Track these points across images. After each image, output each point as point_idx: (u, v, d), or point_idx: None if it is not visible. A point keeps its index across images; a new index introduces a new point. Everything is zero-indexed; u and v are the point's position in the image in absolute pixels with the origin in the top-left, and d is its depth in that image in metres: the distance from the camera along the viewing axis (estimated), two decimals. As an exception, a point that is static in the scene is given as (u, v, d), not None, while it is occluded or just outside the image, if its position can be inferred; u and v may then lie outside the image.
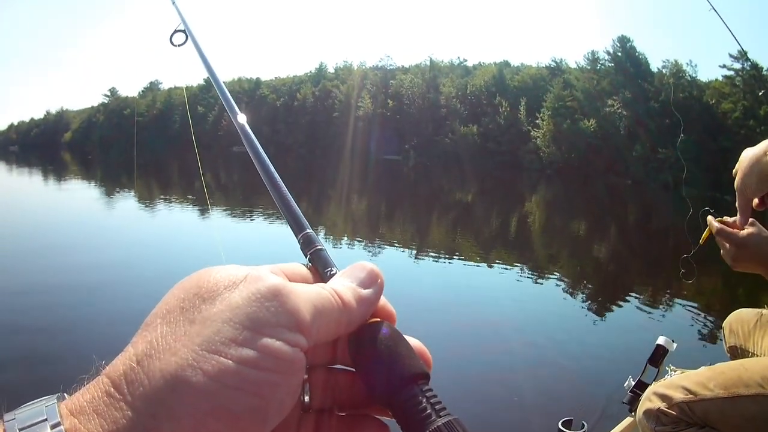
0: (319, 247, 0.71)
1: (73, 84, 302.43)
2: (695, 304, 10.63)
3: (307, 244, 0.72)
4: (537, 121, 77.82)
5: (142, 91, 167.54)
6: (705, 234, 2.62)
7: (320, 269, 0.67)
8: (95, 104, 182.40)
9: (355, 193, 33.27)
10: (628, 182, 62.37)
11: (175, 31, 1.90)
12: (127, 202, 25.01)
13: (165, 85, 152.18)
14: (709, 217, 2.71)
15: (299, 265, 0.65)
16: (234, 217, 19.50)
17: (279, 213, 0.82)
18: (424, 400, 0.54)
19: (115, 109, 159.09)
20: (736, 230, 2.49)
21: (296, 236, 0.75)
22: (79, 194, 28.82)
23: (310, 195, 29.71)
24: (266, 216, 18.98)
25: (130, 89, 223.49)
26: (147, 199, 25.89)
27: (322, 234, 16.01)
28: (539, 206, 33.16)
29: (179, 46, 1.89)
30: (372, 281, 0.61)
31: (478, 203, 33.06)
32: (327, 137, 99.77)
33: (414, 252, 14.42)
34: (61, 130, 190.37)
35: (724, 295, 11.99)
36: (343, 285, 0.59)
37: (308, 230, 0.74)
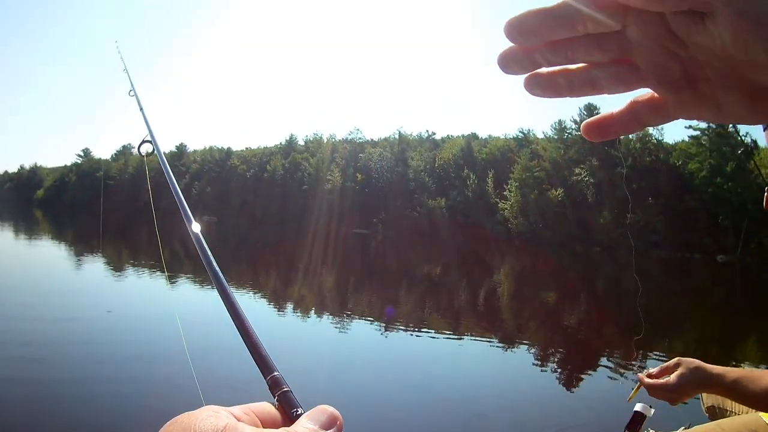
0: (285, 389, 0.74)
1: (49, 140, 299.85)
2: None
3: (275, 386, 0.75)
4: (505, 193, 77.72)
5: (115, 154, 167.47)
6: (634, 392, 2.69)
7: (287, 410, 0.72)
8: (68, 163, 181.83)
9: (323, 267, 32.24)
10: (597, 249, 62.26)
11: (144, 141, 1.94)
12: (93, 266, 23.79)
13: (136, 143, 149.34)
14: (640, 375, 2.70)
15: (269, 405, 0.69)
16: (195, 290, 17.77)
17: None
18: None
19: (88, 171, 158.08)
20: (665, 380, 2.49)
21: (264, 378, 0.78)
22: (47, 253, 28.35)
23: (279, 268, 28.99)
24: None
25: (104, 151, 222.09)
26: (113, 264, 24.68)
27: (290, 308, 15.92)
28: (508, 277, 32.34)
29: (148, 156, 1.96)
30: (331, 424, 0.64)
31: (447, 275, 31.82)
32: (296, 210, 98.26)
33: (382, 326, 13.62)
34: (34, 186, 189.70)
35: (699, 355, 9.51)
36: (306, 428, 0.62)
37: (276, 373, 0.78)
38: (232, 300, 0.87)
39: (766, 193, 2.41)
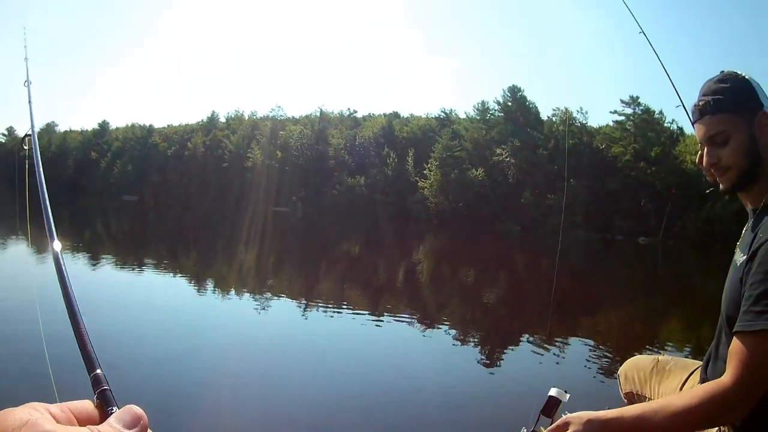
0: (105, 387, 0.78)
1: None
2: (589, 351, 10.16)
3: (96, 383, 0.78)
4: (425, 172, 77.06)
5: (38, 131, 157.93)
6: None
7: (104, 408, 0.74)
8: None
9: (243, 245, 31.84)
10: (517, 228, 62.57)
11: (26, 136, 2.14)
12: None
13: (61, 128, 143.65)
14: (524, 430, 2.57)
15: (89, 404, 0.70)
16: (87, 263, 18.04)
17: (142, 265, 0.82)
18: None
19: (10, 149, 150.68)
20: None
21: (88, 374, 0.82)
22: None
23: (199, 246, 29.16)
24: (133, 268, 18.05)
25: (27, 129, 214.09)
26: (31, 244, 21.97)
27: (210, 287, 15.58)
28: (427, 255, 32.30)
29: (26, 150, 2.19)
30: (134, 423, 0.66)
31: (366, 254, 32.01)
32: (217, 188, 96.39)
33: (303, 304, 13.34)
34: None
35: (619, 340, 11.55)
36: (111, 427, 0.64)
37: (98, 370, 0.82)
38: (68, 290, 0.89)
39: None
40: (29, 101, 2.38)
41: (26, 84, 2.55)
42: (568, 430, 2.04)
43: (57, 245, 1.05)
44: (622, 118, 70.83)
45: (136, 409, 0.68)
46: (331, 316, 12.04)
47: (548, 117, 76.00)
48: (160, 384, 6.92)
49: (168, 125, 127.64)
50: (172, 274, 17.47)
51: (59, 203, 61.12)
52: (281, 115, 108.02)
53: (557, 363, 9.20)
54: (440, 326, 11.72)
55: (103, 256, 20.38)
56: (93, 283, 14.28)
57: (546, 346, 10.12)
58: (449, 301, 16.37)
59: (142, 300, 13.06)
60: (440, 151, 75.26)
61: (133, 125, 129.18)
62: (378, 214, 73.84)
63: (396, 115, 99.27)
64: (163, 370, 7.30)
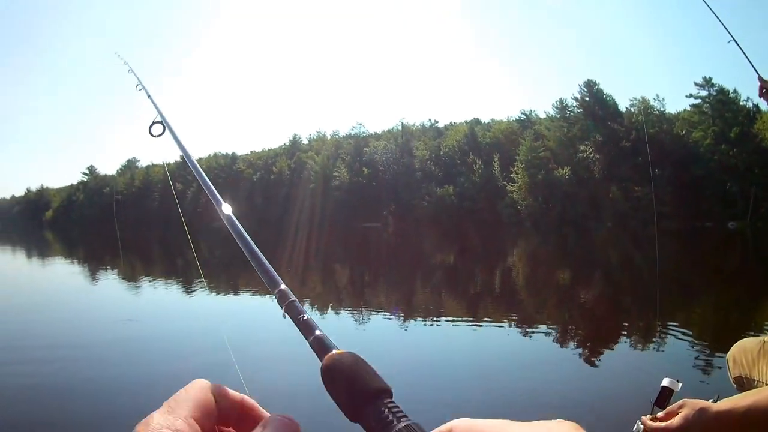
0: (292, 299, 0.88)
1: (52, 160, 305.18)
2: (695, 339, 10.24)
3: (282, 298, 0.89)
4: (512, 175, 77.84)
5: (120, 168, 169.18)
6: None
7: (294, 317, 0.84)
8: (74, 182, 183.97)
9: (337, 263, 32.19)
10: (608, 225, 62.41)
11: (153, 123, 1.99)
12: (114, 281, 23.77)
13: (143, 163, 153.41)
14: (643, 418, 2.56)
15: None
16: (226, 291, 18.55)
17: (262, 282, 1.00)
18: (386, 410, 0.62)
19: (95, 188, 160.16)
20: (668, 424, 2.36)
21: (272, 292, 0.92)
22: (66, 273, 27.79)
23: (293, 268, 28.11)
24: (253, 289, 17.90)
25: (109, 167, 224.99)
26: (132, 277, 24.66)
27: (307, 304, 14.99)
28: (521, 259, 32.32)
29: (158, 136, 1.99)
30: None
31: (461, 263, 31.87)
32: (305, 209, 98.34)
33: (401, 317, 13.33)
34: (41, 207, 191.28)
35: (723, 326, 11.58)
36: None
37: (282, 286, 0.92)
38: (246, 241, 1.12)
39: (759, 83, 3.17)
40: (148, 96, 2.43)
41: (139, 88, 2.70)
42: (681, 411, 2.25)
43: (227, 208, 1.23)
44: (698, 101, 70.26)
45: (287, 419, 0.66)
46: (433, 325, 12.46)
47: (626, 108, 75.46)
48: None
49: (251, 152, 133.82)
50: (263, 294, 17.09)
51: (151, 235, 65.84)
52: (363, 132, 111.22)
53: (666, 353, 9.54)
54: (541, 328, 11.91)
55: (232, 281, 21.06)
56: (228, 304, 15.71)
57: (653, 337, 10.50)
58: (548, 302, 16.49)
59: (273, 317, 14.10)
60: (525, 153, 75.94)
61: (215, 154, 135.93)
62: (469, 221, 76.05)
63: (477, 121, 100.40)
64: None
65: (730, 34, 4.35)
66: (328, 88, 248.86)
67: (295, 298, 0.88)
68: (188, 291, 18.69)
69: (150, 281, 22.42)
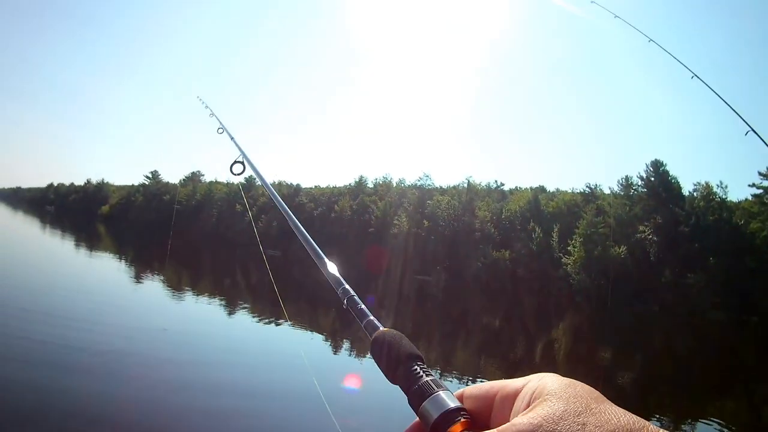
0: (351, 294, 1.17)
1: (117, 158, 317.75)
2: (725, 425, 11.08)
3: (344, 293, 1.17)
4: (569, 248, 78.62)
5: (184, 179, 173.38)
6: None
7: (352, 307, 1.12)
8: (135, 183, 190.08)
9: (383, 311, 32.88)
10: (656, 309, 62.84)
11: (235, 162, 2.38)
12: (159, 288, 25.25)
13: (207, 177, 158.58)
14: None
15: None
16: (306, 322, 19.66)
17: (341, 310, 1.24)
18: (416, 368, 0.85)
19: (155, 193, 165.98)
20: None
21: (336, 289, 1.20)
22: (110, 270, 29.50)
23: (340, 312, 29.26)
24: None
25: (172, 175, 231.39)
26: (177, 289, 26.14)
27: (344, 348, 16.39)
28: (566, 333, 33.52)
29: (238, 174, 2.44)
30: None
31: (505, 328, 33.05)
32: (361, 251, 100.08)
33: (437, 372, 13.93)
34: (99, 201, 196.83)
35: (758, 423, 12.40)
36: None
37: (344, 285, 1.21)
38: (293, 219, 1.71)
39: None
40: (231, 138, 2.93)
41: (220, 131, 3.24)
42: None
43: (332, 267, 1.39)
44: (760, 191, 70.26)
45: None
46: (467, 384, 13.69)
47: (689, 192, 75.78)
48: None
49: (315, 186, 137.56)
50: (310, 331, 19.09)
51: (204, 250, 67.46)
52: (429, 184, 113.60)
53: None
54: None
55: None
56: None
57: (680, 425, 11.31)
58: (585, 379, 18.14)
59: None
60: (584, 228, 76.61)
61: (280, 183, 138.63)
62: (520, 288, 77.72)
63: (542, 189, 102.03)
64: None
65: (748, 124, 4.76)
66: (399, 134, 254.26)
67: (354, 293, 1.17)
68: (268, 314, 20.03)
69: (221, 298, 23.74)
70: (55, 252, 34.66)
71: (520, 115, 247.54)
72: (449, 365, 16.24)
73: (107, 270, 28.54)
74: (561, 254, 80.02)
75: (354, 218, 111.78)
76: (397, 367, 0.86)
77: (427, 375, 0.82)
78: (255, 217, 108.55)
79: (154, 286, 24.51)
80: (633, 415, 0.66)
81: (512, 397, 0.75)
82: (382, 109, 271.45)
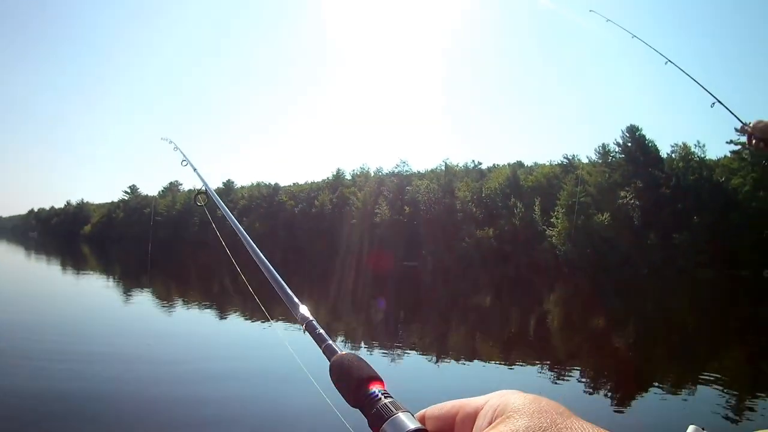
0: (310, 319, 1.19)
1: (94, 177, 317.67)
2: (722, 387, 11.07)
3: (302, 319, 1.20)
4: (552, 220, 79.10)
5: (162, 190, 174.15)
6: None
7: (311, 332, 1.15)
8: (115, 199, 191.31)
9: (374, 300, 33.04)
10: (645, 272, 63.01)
11: (198, 193, 2.46)
12: (144, 300, 25.38)
13: (185, 186, 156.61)
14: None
15: None
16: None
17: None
18: (376, 392, 0.86)
19: (135, 207, 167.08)
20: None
21: (295, 314, 1.24)
22: (103, 287, 29.89)
23: (330, 302, 29.94)
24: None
25: (150, 188, 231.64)
26: (165, 298, 26.46)
27: (340, 340, 16.39)
28: (557, 305, 33.77)
29: (203, 205, 2.53)
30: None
31: (497, 305, 33.16)
32: (345, 244, 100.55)
33: (434, 357, 14.47)
34: (80, 221, 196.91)
35: (752, 375, 12.52)
36: None
37: (301, 309, 1.26)
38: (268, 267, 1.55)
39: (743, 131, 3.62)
40: (194, 170, 3.06)
41: (184, 164, 3.28)
42: None
43: (304, 309, 1.32)
44: (738, 147, 68.57)
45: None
46: (466, 365, 13.30)
47: (668, 154, 76.60)
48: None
49: (294, 183, 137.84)
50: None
51: (187, 258, 67.32)
52: (407, 170, 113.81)
53: (693, 401, 10.15)
54: (571, 374, 12.66)
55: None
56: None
57: (682, 385, 11.22)
58: (579, 349, 17.37)
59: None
60: (566, 198, 77.07)
61: (258, 184, 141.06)
62: (507, 265, 77.60)
63: (520, 164, 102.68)
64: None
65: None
66: (374, 123, 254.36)
67: (313, 318, 1.20)
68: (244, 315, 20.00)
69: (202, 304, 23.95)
70: (43, 277, 35.33)
71: (493, 91, 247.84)
72: (445, 346, 16.39)
73: (93, 288, 28.99)
74: (545, 227, 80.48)
75: (335, 211, 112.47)
76: (357, 390, 0.86)
77: (386, 397, 0.82)
78: (237, 219, 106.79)
79: (138, 299, 24.85)
80: (600, 429, 0.67)
81: (473, 416, 0.76)
82: (356, 100, 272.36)
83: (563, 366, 13.51)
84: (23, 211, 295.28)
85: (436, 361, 13.69)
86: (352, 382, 0.89)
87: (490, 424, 0.71)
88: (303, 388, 8.08)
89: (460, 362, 13.56)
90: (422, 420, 0.82)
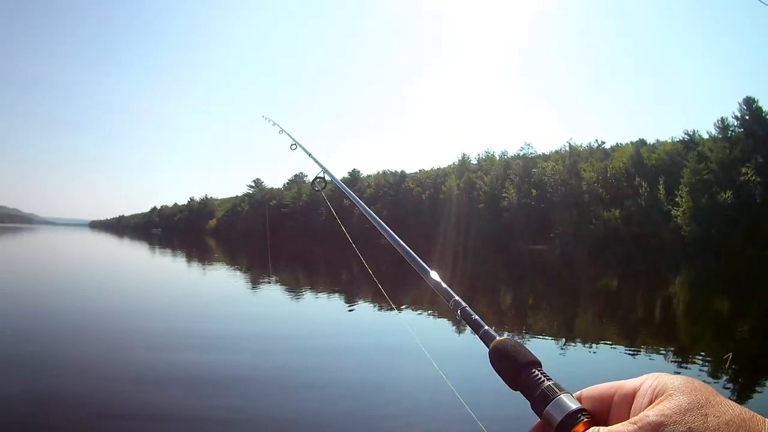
0: (464, 306, 1.25)
1: (217, 174, 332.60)
2: None
3: (457, 306, 1.26)
4: (676, 199, 78.92)
5: (287, 183, 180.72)
6: None
7: (466, 318, 1.21)
8: (239, 194, 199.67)
9: (502, 284, 33.47)
10: (767, 253, 61.06)
11: (316, 178, 2.65)
12: (274, 291, 25.70)
13: (310, 178, 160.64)
14: None
15: None
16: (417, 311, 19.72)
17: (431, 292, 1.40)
18: (537, 374, 0.93)
19: (260, 200, 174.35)
20: None
21: (448, 302, 1.30)
22: (232, 279, 30.73)
23: (460, 287, 28.05)
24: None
25: (274, 181, 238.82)
26: (288, 287, 27.04)
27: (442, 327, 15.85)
28: (683, 288, 33.41)
29: (321, 190, 2.69)
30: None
31: (623, 289, 33.30)
32: (473, 228, 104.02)
33: (562, 341, 14.53)
34: (205, 216, 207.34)
35: None
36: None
37: (455, 297, 1.30)
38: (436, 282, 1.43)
39: None
40: (308, 154, 3.03)
41: (293, 147, 3.27)
42: None
43: (434, 275, 1.43)
44: None
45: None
46: (592, 352, 12.98)
47: None
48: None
49: (420, 170, 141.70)
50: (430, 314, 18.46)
51: (316, 249, 68.99)
52: (532, 153, 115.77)
53: None
54: (696, 360, 12.32)
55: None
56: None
57: None
58: (704, 334, 16.96)
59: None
60: (689, 176, 76.86)
61: (384, 172, 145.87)
62: (635, 245, 78.93)
63: (643, 142, 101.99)
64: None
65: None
66: (498, 106, 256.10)
67: (467, 305, 1.23)
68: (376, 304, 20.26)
69: (324, 295, 24.17)
70: (170, 269, 37.40)
71: (615, 66, 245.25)
72: (572, 331, 16.69)
73: (223, 278, 30.83)
74: (670, 207, 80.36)
75: (462, 196, 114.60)
76: (518, 374, 0.95)
77: (548, 380, 0.91)
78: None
79: (264, 288, 26.03)
80: (742, 407, 0.67)
81: (630, 396, 0.85)
82: (477, 84, 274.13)
83: (687, 351, 13.51)
84: (146, 209, 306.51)
85: (563, 345, 13.84)
86: (514, 366, 0.97)
87: (650, 402, 0.79)
88: (422, 368, 9.41)
89: (587, 346, 13.78)
90: (579, 400, 0.90)
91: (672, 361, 12.00)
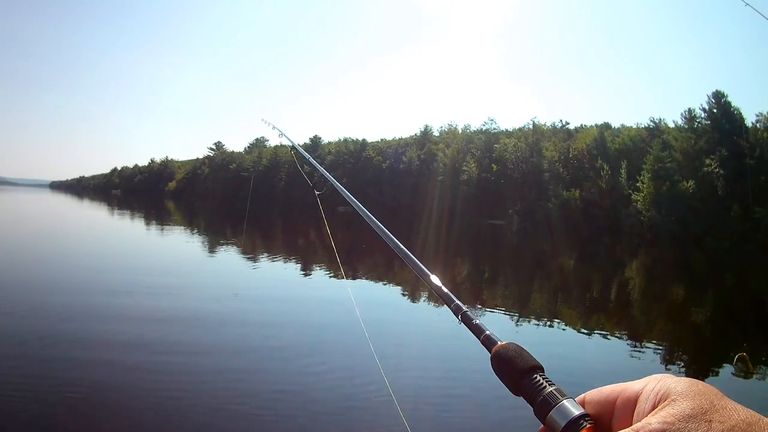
0: (464, 310, 1.24)
1: (177, 135, 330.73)
2: None
3: (457, 310, 1.26)
4: (637, 184, 79.87)
5: (248, 146, 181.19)
6: None
7: (467, 323, 1.20)
8: (200, 156, 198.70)
9: (458, 258, 33.94)
10: (726, 245, 61.92)
11: (317, 181, 2.78)
12: (234, 253, 26.70)
13: (271, 142, 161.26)
14: None
15: None
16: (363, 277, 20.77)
17: (400, 263, 1.50)
18: (539, 379, 0.93)
19: (221, 163, 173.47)
20: None
21: (449, 306, 1.31)
22: (195, 244, 31.54)
23: (424, 257, 26.78)
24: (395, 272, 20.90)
25: (235, 144, 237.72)
26: (252, 251, 27.96)
27: (424, 298, 16.69)
28: (639, 272, 33.86)
29: (321, 192, 2.90)
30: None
31: (580, 269, 33.74)
32: (431, 200, 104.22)
33: (515, 317, 14.86)
34: (165, 178, 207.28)
35: None
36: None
37: (456, 301, 1.30)
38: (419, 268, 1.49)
39: None
40: (293, 145, 3.15)
41: (280, 136, 3.51)
42: None
43: (435, 279, 1.46)
44: None
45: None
46: (548, 327, 13.35)
47: (752, 123, 75.63)
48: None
49: (381, 139, 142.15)
50: (382, 282, 19.69)
51: (275, 213, 68.42)
52: (495, 128, 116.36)
53: (765, 381, 10.11)
54: (648, 345, 12.42)
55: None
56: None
57: (755, 365, 10.81)
58: (657, 319, 17.14)
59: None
60: (652, 163, 77.60)
61: (345, 140, 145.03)
62: (592, 227, 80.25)
63: (607, 125, 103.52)
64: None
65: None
66: (462, 80, 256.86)
67: (467, 309, 1.22)
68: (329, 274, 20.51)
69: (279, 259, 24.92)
70: (128, 230, 37.47)
71: (582, 49, 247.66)
72: (526, 308, 16.96)
73: (181, 241, 31.08)
74: (630, 191, 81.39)
75: (422, 167, 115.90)
76: (520, 379, 0.95)
77: (550, 385, 0.91)
78: (322, 176, 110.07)
79: (223, 253, 26.49)
80: (749, 410, 0.73)
81: (633, 399, 0.84)
82: (444, 57, 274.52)
83: (640, 336, 13.67)
84: (106, 170, 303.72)
85: (517, 322, 14.17)
86: (516, 372, 0.97)
87: (654, 406, 0.78)
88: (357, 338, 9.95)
89: (540, 324, 14.04)
90: (582, 404, 0.89)
91: (624, 344, 12.56)
